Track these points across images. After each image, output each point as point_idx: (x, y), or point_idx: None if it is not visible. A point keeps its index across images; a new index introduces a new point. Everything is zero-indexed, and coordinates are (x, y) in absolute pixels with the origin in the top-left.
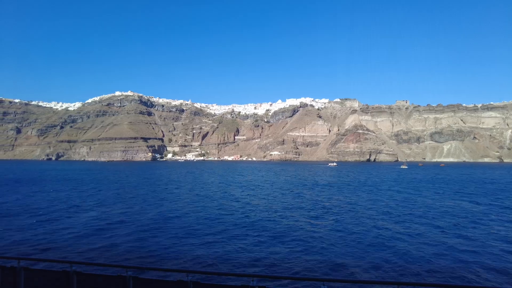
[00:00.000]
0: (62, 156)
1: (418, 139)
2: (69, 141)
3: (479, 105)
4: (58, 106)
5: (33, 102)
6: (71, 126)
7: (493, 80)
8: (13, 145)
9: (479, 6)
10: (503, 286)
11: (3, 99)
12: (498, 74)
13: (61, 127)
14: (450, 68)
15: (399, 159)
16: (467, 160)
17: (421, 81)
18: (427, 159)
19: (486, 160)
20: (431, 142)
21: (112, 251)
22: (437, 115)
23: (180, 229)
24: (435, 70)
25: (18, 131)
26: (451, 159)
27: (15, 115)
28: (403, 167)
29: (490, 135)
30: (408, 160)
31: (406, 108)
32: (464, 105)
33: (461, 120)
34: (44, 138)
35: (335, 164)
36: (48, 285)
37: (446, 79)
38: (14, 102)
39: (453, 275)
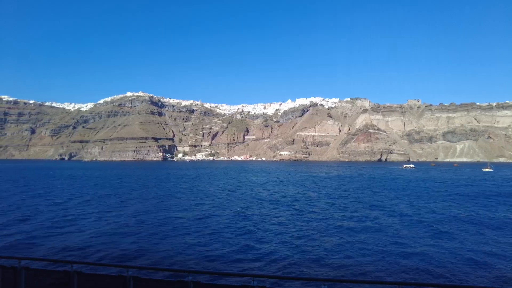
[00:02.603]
0: (75, 156)
1: (430, 139)
2: (81, 141)
3: (494, 104)
4: (71, 106)
5: (47, 103)
6: (83, 127)
7: (494, 80)
8: (28, 145)
9: (479, 6)
10: (503, 286)
11: (19, 100)
12: (499, 74)
13: (74, 128)
14: (450, 68)
15: (411, 159)
16: (481, 160)
17: (421, 81)
18: (440, 159)
19: (502, 160)
20: (443, 141)
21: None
22: (450, 114)
23: None
24: (435, 70)
25: (33, 131)
26: (464, 159)
27: (30, 116)
28: (487, 169)
29: (506, 134)
30: (420, 160)
31: (418, 107)
32: (478, 104)
33: (475, 119)
34: (57, 138)
35: (411, 166)
36: (48, 285)
37: (447, 79)
38: (29, 103)
39: None
